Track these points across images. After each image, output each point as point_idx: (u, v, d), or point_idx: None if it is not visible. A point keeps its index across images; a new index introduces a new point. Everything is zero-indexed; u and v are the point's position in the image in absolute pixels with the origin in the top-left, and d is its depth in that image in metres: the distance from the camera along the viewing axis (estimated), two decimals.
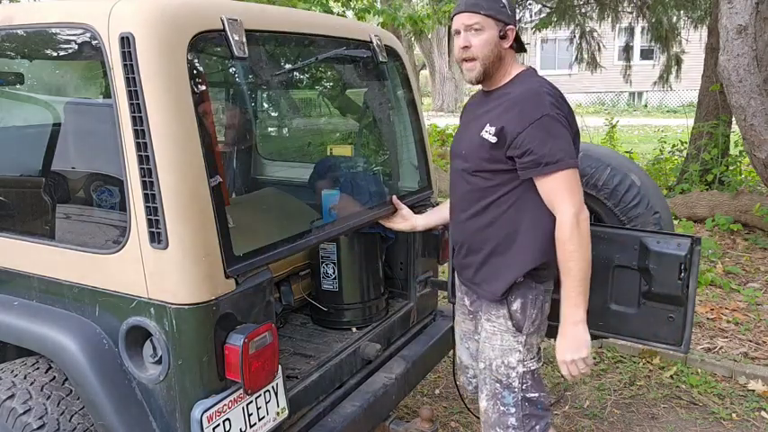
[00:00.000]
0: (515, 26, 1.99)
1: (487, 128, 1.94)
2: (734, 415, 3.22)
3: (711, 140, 7.13)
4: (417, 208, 2.72)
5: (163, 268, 1.64)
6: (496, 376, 2.06)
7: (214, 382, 1.72)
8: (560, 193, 1.86)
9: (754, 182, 6.93)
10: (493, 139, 1.91)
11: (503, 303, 2.02)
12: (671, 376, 3.61)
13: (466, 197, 2.06)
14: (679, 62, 10.11)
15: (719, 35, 4.72)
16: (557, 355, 1.93)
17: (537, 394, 2.06)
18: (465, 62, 1.97)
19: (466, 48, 1.93)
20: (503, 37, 1.94)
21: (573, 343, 1.90)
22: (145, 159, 1.61)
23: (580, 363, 1.91)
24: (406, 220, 2.51)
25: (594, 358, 3.85)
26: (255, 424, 1.83)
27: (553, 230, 1.90)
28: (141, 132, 1.61)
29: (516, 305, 2.01)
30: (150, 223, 1.63)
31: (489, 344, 2.06)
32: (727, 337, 4.04)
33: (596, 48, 10.45)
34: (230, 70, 2.23)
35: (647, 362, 3.77)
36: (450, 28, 2.18)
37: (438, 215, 2.51)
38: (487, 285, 2.04)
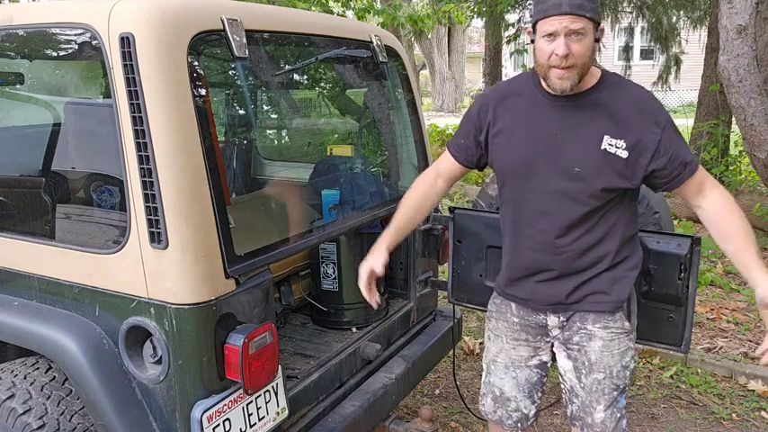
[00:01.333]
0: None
1: (610, 140, 1.76)
2: (734, 415, 3.22)
3: (711, 140, 7.14)
4: None
5: (163, 268, 1.64)
6: (616, 383, 1.95)
7: (214, 382, 1.72)
8: (706, 177, 1.83)
9: (754, 182, 6.93)
10: (623, 154, 1.75)
11: (621, 307, 1.92)
12: (671, 376, 3.61)
13: (573, 221, 1.83)
14: (678, 62, 10.13)
15: (719, 35, 4.72)
16: None
17: None
18: (558, 69, 1.71)
19: (566, 56, 1.68)
20: (597, 39, 1.75)
21: None
22: (145, 159, 1.61)
23: None
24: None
25: None
26: (255, 424, 1.83)
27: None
28: (141, 132, 1.61)
29: (626, 303, 1.97)
30: (150, 223, 1.63)
31: (608, 351, 1.93)
32: (727, 337, 4.04)
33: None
34: (230, 71, 2.23)
35: (647, 362, 3.77)
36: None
37: (400, 235, 2.14)
38: (606, 296, 1.90)
